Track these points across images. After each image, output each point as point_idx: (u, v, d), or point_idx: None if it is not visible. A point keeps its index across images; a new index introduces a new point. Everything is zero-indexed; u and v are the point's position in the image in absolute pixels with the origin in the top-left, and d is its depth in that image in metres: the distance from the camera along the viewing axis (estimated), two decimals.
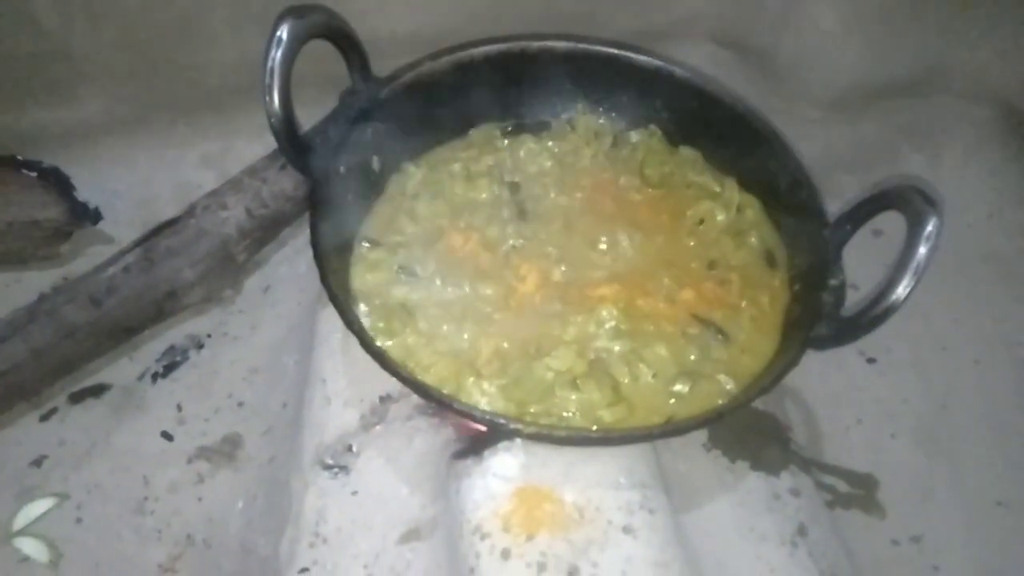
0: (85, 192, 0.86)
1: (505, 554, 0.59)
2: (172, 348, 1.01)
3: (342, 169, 0.72)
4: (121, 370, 0.98)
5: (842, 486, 0.88)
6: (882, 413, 0.94)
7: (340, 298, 0.62)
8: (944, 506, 0.87)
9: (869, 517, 0.86)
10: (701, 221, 0.77)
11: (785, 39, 1.09)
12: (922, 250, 0.56)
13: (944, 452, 0.91)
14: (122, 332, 0.83)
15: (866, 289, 0.92)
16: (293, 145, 0.66)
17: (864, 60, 1.10)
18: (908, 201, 0.59)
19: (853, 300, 0.64)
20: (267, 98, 0.62)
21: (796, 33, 1.08)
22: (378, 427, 0.75)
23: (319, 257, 0.63)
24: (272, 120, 0.63)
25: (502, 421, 0.56)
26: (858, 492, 0.88)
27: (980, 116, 1.15)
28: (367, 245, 0.74)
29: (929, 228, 0.56)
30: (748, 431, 0.76)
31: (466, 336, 0.67)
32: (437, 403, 0.57)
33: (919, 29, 1.07)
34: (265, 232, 0.83)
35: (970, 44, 1.09)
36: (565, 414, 0.62)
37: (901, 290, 0.57)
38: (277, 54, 0.62)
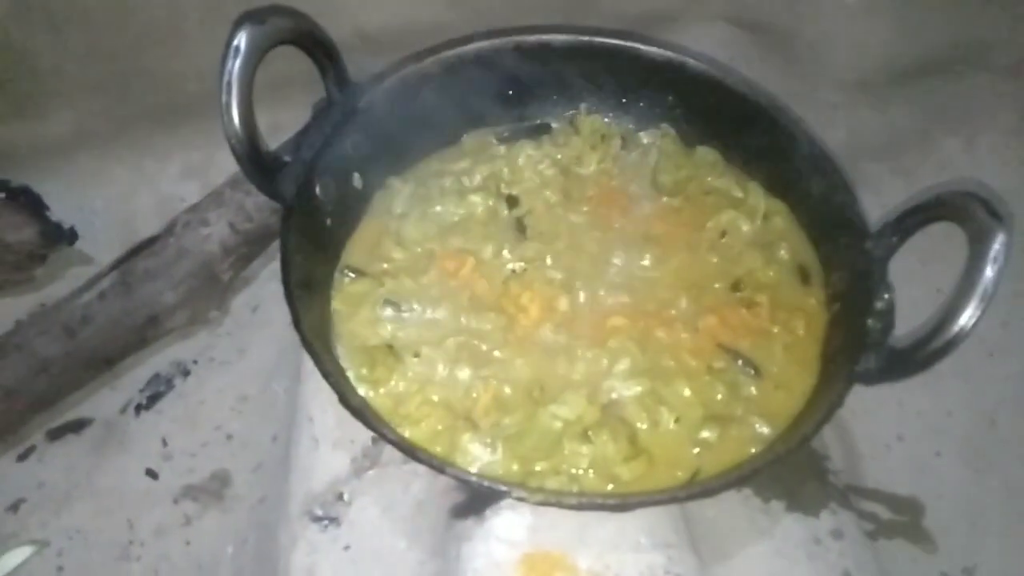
0: (59, 211, 0.83)
1: None
2: (156, 376, 0.96)
3: (318, 190, 0.65)
4: (102, 402, 0.93)
5: (884, 513, 0.82)
6: (925, 429, 0.87)
7: (315, 347, 0.55)
8: (998, 533, 0.81)
9: (916, 547, 0.80)
10: (723, 234, 0.69)
11: (806, 17, 1.02)
12: (988, 272, 0.49)
13: (995, 471, 0.84)
14: (101, 362, 0.80)
15: (903, 291, 0.85)
16: (258, 168, 0.59)
17: (893, 38, 1.03)
18: (968, 213, 0.51)
19: (909, 331, 0.55)
20: (224, 117, 0.55)
21: (817, 10, 1.01)
22: (371, 472, 0.69)
23: (291, 297, 0.56)
24: (232, 141, 0.56)
25: (504, 489, 0.49)
26: (902, 519, 0.82)
27: (1020, 97, 1.07)
28: (350, 275, 0.66)
29: (996, 247, 0.49)
30: (782, 466, 0.69)
31: (461, 380, 0.60)
32: (428, 467, 0.50)
33: (954, 3, 0.99)
34: (251, 247, 0.79)
35: (1011, 17, 1.01)
36: (576, 471, 0.55)
37: (965, 319, 0.49)
38: (234, 66, 0.55)
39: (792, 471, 0.70)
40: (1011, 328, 0.93)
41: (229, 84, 0.55)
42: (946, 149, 1.08)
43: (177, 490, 0.87)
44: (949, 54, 1.04)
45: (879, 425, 0.87)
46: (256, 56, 0.56)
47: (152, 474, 0.88)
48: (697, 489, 0.51)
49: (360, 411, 0.52)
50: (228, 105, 0.55)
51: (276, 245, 0.76)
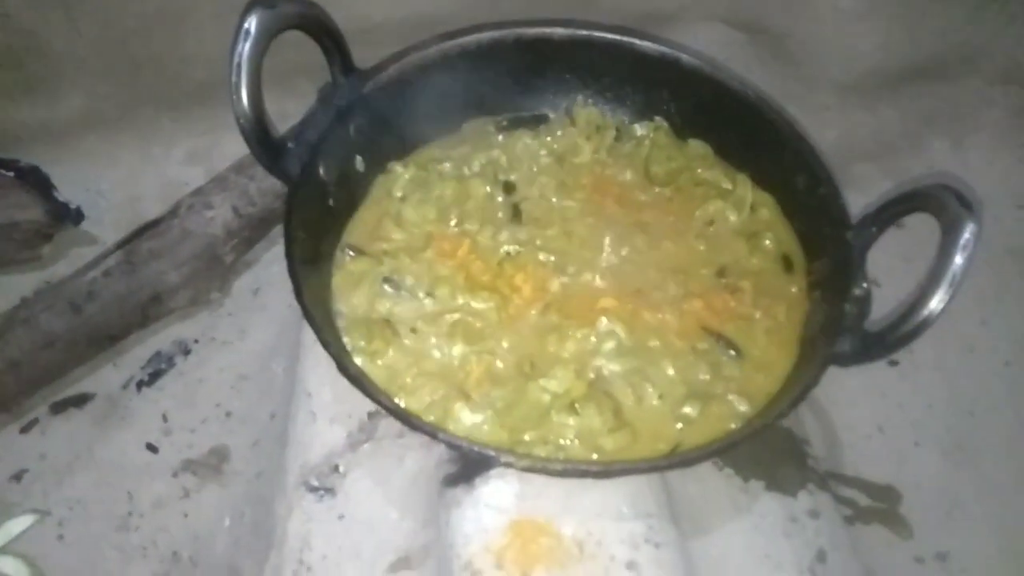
0: (67, 192, 0.83)
1: None
2: (158, 354, 0.97)
3: (321, 171, 0.67)
4: (105, 378, 0.95)
5: (862, 499, 0.83)
6: (905, 420, 0.89)
7: (316, 318, 0.57)
8: (972, 521, 0.83)
9: (891, 533, 0.82)
10: (711, 223, 0.72)
11: (801, 19, 1.04)
12: (958, 259, 0.51)
13: (972, 462, 0.86)
14: (104, 339, 0.80)
15: (888, 287, 0.87)
16: (265, 148, 0.61)
17: (885, 42, 1.05)
18: (941, 204, 0.53)
19: (875, 301, 0.59)
20: (234, 96, 0.57)
21: (812, 13, 1.03)
22: (366, 445, 0.70)
23: (294, 271, 0.59)
24: (241, 121, 0.58)
25: (492, 453, 0.52)
26: (879, 506, 0.84)
27: (1009, 101, 1.09)
28: (351, 254, 0.69)
29: (966, 236, 0.51)
30: (762, 447, 0.71)
31: (456, 354, 0.62)
32: (422, 432, 0.53)
33: (945, 8, 1.01)
34: (253, 231, 0.80)
35: (1000, 24, 1.03)
36: (563, 442, 0.57)
37: (935, 303, 0.52)
38: (244, 48, 0.57)
39: (772, 453, 0.72)
40: (990, 325, 0.95)
41: (239, 65, 0.57)
42: (935, 151, 1.09)
43: (176, 464, 0.88)
44: (939, 59, 1.06)
45: (860, 416, 0.89)
46: (265, 39, 0.58)
47: (152, 448, 0.89)
48: (677, 459, 0.54)
49: (357, 379, 0.55)
50: (237, 85, 0.57)
51: (278, 231, 0.78)
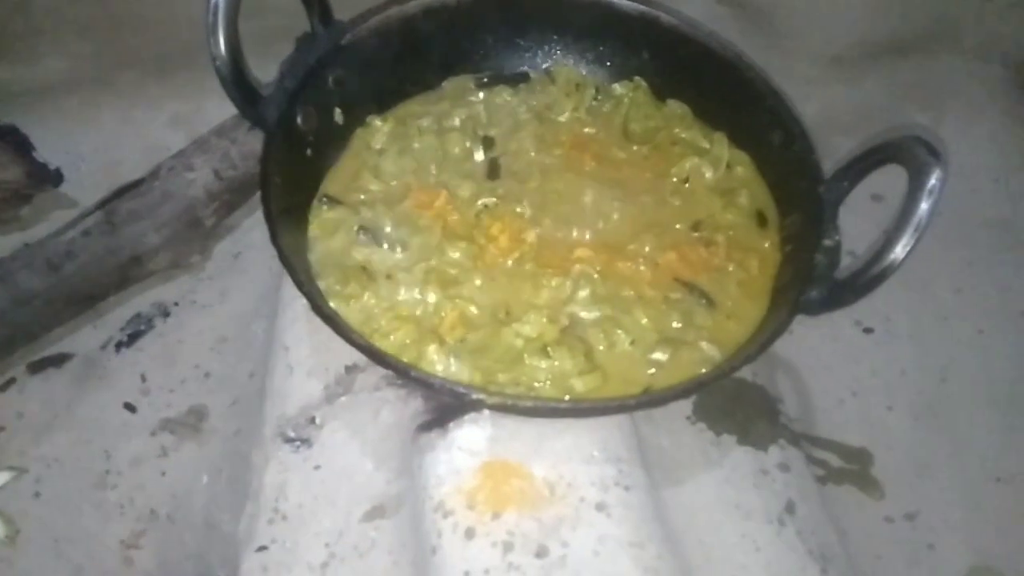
0: (47, 153, 0.83)
1: (469, 533, 0.55)
2: (137, 316, 0.97)
3: (299, 120, 0.67)
4: (83, 339, 0.95)
5: (834, 461, 0.85)
6: (879, 385, 0.90)
7: (290, 259, 0.57)
8: (941, 482, 0.84)
9: (862, 493, 0.83)
10: (687, 179, 0.72)
11: None
12: (924, 205, 0.52)
13: (943, 426, 0.87)
14: (83, 299, 0.80)
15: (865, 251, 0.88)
16: (243, 92, 0.61)
17: (867, 16, 1.05)
18: (910, 153, 0.54)
19: (850, 264, 0.60)
20: (211, 39, 0.57)
21: None
22: (343, 398, 0.71)
23: (269, 214, 0.59)
24: (217, 63, 0.58)
25: (462, 390, 0.52)
26: (851, 467, 0.85)
27: (989, 76, 1.11)
28: (327, 203, 0.69)
29: (932, 181, 0.52)
30: (736, 403, 0.72)
31: (431, 300, 0.62)
32: (394, 371, 0.53)
33: None
34: (234, 195, 0.79)
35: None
36: (536, 384, 0.58)
37: (900, 249, 0.52)
38: None
39: (745, 410, 0.73)
40: (964, 293, 0.97)
41: (216, 6, 0.57)
42: (915, 124, 1.09)
43: (154, 423, 0.88)
44: (921, 33, 1.07)
45: (834, 381, 0.90)
46: None
47: (130, 408, 0.89)
48: (646, 399, 0.54)
49: (331, 319, 0.55)
50: (214, 26, 0.57)
51: (259, 197, 0.78)
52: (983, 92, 1.11)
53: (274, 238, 0.58)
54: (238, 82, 0.60)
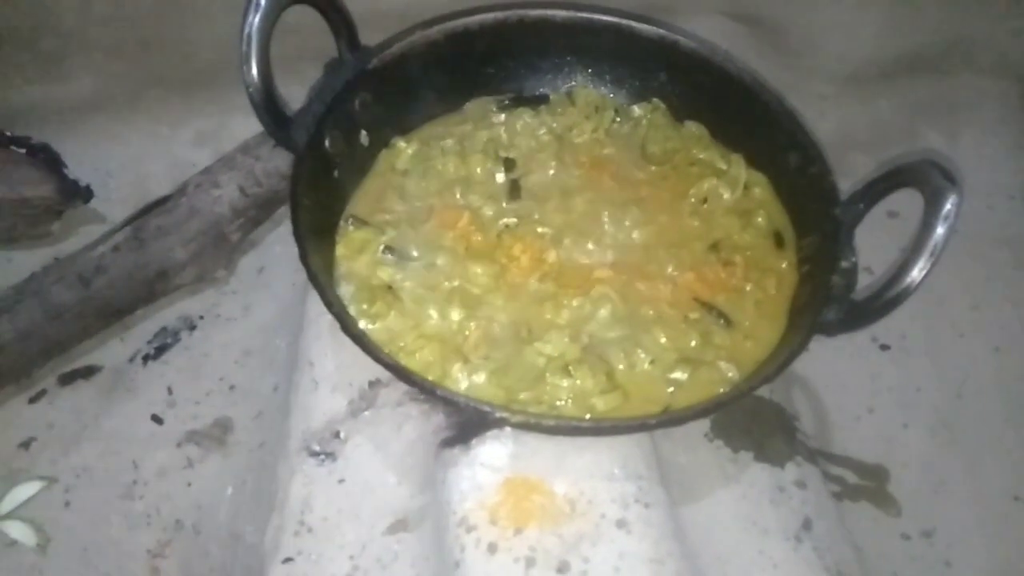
0: (76, 170, 0.84)
1: (492, 548, 0.57)
2: (164, 329, 0.99)
3: (327, 143, 0.69)
4: (112, 351, 0.96)
5: (851, 477, 0.85)
6: (895, 402, 0.90)
7: (319, 278, 0.59)
8: (958, 500, 0.84)
9: (879, 510, 0.83)
10: (705, 200, 0.73)
11: (799, 11, 1.06)
12: (940, 230, 0.53)
13: (959, 443, 0.88)
14: (112, 313, 0.82)
15: (881, 273, 0.89)
16: (274, 117, 0.63)
17: (882, 34, 1.06)
18: (925, 178, 0.55)
19: (867, 284, 0.61)
20: (244, 67, 0.59)
21: (811, 4, 1.05)
22: (367, 413, 0.72)
23: (299, 235, 0.61)
24: (250, 90, 0.60)
25: (487, 409, 0.53)
26: (868, 484, 0.85)
27: (1003, 94, 1.11)
28: (353, 224, 0.70)
29: (948, 207, 0.53)
30: (753, 420, 0.73)
31: (454, 319, 0.64)
32: (421, 389, 0.54)
33: (940, 1, 1.03)
34: (259, 211, 0.82)
35: (994, 18, 1.05)
36: (557, 402, 0.59)
37: (916, 272, 0.53)
38: (255, 19, 0.59)
39: (762, 427, 0.73)
40: (981, 310, 0.97)
41: (249, 36, 0.59)
42: (930, 143, 1.11)
43: (180, 435, 0.89)
44: (936, 51, 1.08)
45: (851, 397, 0.90)
46: (275, 10, 0.60)
47: (157, 419, 0.90)
48: (666, 418, 0.55)
49: (359, 338, 0.56)
50: (248, 55, 0.59)
51: (283, 212, 0.79)
52: (998, 109, 1.11)
53: (304, 258, 0.60)
54: (269, 107, 0.62)
